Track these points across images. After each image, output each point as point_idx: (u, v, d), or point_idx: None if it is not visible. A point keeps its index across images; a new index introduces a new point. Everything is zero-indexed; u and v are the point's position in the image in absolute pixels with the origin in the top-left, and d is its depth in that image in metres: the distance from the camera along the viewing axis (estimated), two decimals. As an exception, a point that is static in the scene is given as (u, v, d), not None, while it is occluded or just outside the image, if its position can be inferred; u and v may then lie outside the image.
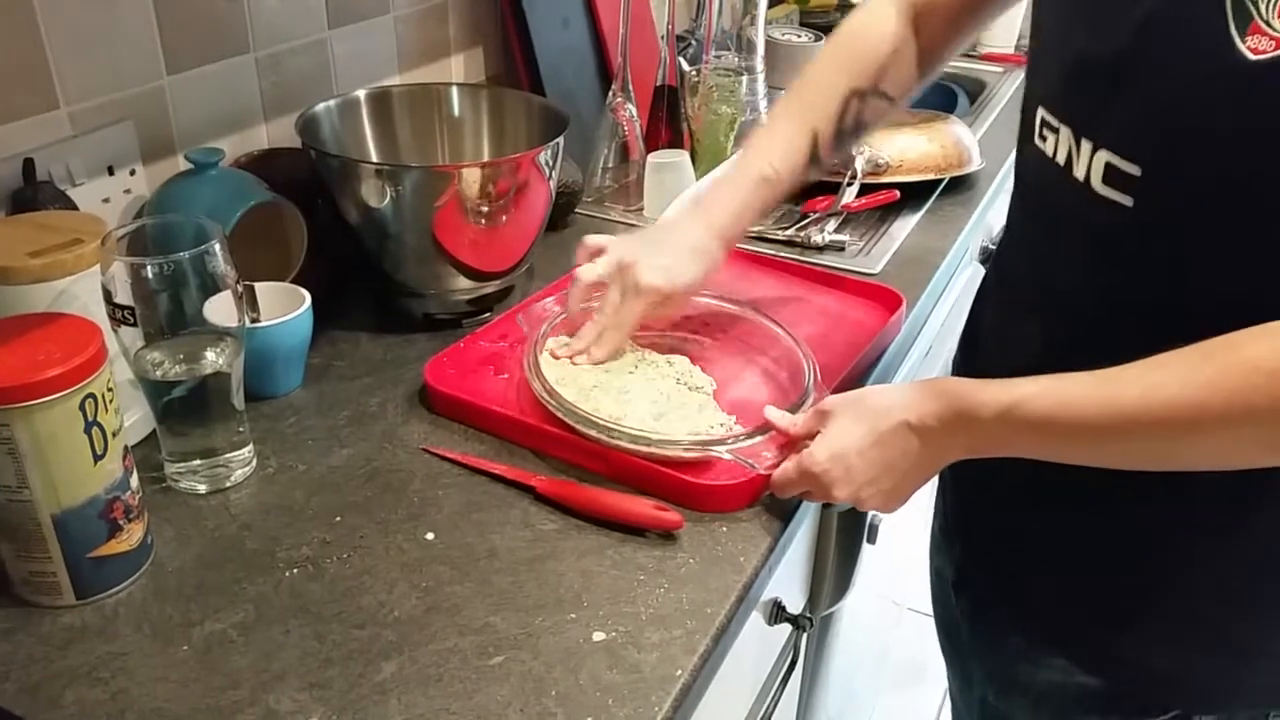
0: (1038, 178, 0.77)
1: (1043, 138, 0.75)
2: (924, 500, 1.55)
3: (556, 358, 0.91)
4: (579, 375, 0.89)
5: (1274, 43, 0.58)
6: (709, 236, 0.89)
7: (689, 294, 0.91)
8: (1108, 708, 0.79)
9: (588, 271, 0.91)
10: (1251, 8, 0.58)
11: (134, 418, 0.81)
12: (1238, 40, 0.59)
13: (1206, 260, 0.65)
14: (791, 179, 0.90)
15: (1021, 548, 0.84)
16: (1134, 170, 0.67)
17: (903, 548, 1.45)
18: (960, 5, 0.88)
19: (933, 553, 1.00)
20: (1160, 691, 0.78)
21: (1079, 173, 0.71)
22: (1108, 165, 0.69)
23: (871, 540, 1.07)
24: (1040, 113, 0.75)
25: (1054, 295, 0.76)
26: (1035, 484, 0.75)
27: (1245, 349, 0.61)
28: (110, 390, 0.67)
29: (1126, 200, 0.68)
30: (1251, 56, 0.58)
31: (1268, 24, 0.58)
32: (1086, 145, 0.70)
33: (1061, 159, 0.73)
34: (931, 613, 1.00)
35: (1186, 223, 0.64)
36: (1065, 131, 0.72)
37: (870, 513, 1.06)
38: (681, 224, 0.91)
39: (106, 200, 0.95)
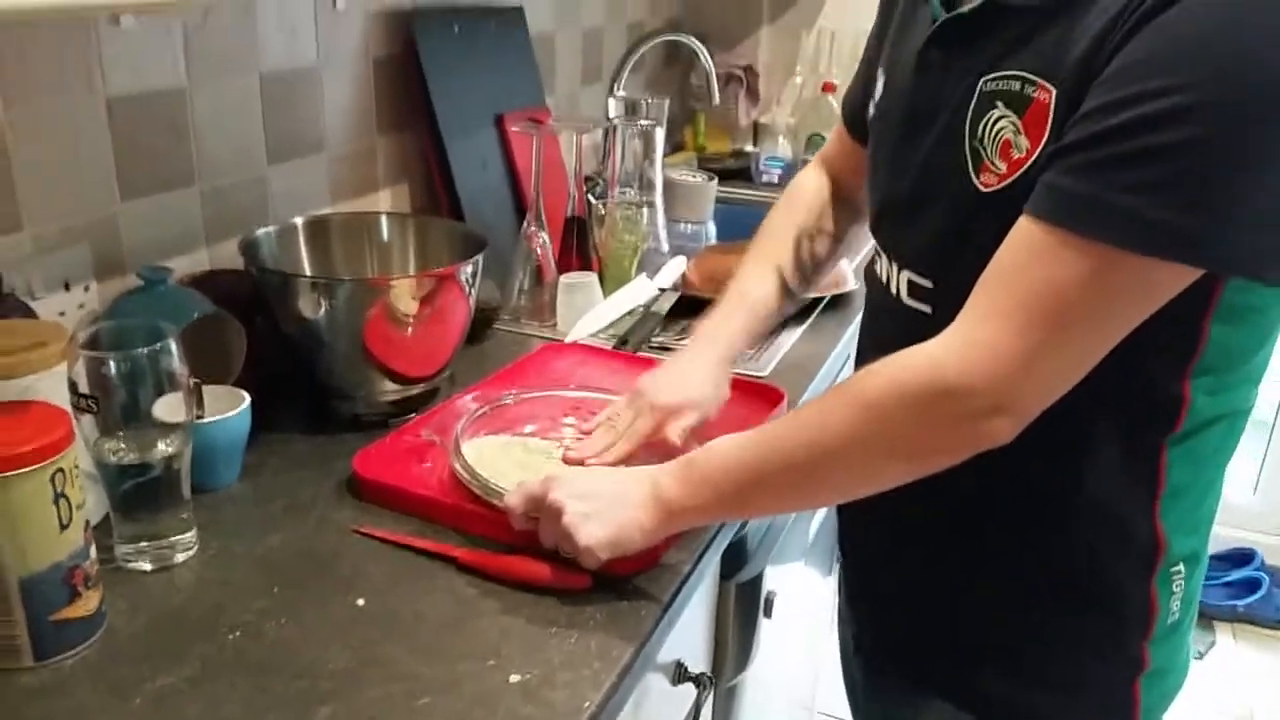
0: (873, 293, 0.96)
1: (875, 258, 0.94)
2: (823, 592, 1.65)
3: (569, 455, 1.00)
4: (497, 459, 0.99)
5: (997, 178, 0.77)
6: (714, 358, 1.05)
7: (701, 407, 1.02)
8: None
9: (613, 406, 1.05)
10: (981, 152, 0.78)
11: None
12: (974, 177, 0.78)
13: None
14: (769, 309, 1.09)
15: (902, 603, 0.95)
16: (928, 283, 0.85)
17: (813, 655, 1.54)
18: (846, 169, 1.11)
19: (839, 625, 1.11)
20: None
21: (893, 289, 0.89)
22: (909, 281, 0.86)
23: (768, 614, 1.16)
24: (872, 239, 0.94)
25: None
26: (909, 545, 0.90)
27: (853, 387, 0.78)
28: (76, 467, 0.75)
29: (927, 309, 0.85)
30: (983, 189, 0.78)
31: (992, 163, 0.77)
32: (894, 266, 0.89)
33: (884, 278, 0.91)
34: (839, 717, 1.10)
35: None
36: (884, 256, 0.91)
37: (766, 589, 1.16)
38: (689, 352, 1.07)
39: (62, 314, 1.03)
